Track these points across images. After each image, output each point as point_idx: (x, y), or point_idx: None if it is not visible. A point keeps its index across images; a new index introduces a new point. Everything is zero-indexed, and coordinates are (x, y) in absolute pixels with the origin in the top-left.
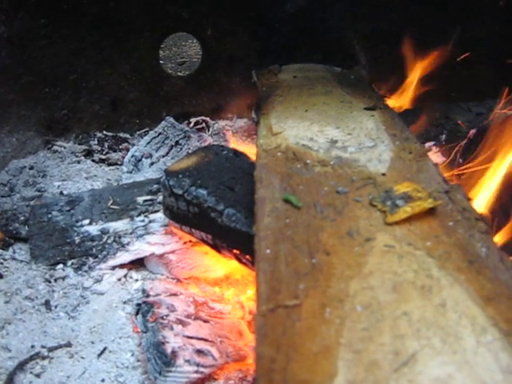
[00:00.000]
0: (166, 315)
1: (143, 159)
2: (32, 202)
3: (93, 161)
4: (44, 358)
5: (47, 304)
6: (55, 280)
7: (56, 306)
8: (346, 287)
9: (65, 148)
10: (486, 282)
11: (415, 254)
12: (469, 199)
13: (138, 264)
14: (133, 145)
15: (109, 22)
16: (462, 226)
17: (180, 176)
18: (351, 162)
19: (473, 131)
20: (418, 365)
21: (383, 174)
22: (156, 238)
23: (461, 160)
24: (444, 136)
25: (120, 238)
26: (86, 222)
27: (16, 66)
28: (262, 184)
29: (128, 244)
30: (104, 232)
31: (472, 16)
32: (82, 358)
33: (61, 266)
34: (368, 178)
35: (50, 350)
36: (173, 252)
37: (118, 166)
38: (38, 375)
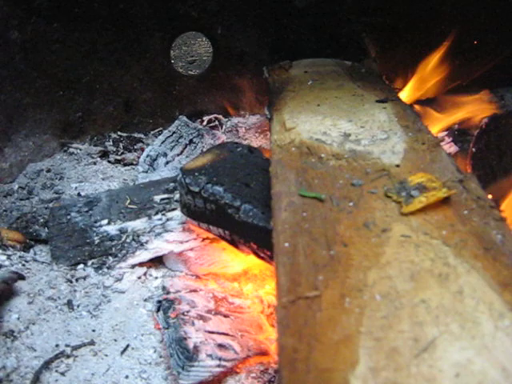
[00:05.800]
0: (187, 311)
1: (158, 158)
2: (51, 204)
3: (108, 161)
4: (68, 356)
5: (69, 304)
6: (76, 280)
7: (78, 306)
8: (364, 277)
9: (80, 150)
10: (502, 269)
11: (431, 243)
12: (483, 187)
13: (157, 262)
14: (147, 144)
15: (120, 24)
16: (477, 214)
17: (196, 174)
18: (365, 155)
19: (485, 120)
20: (437, 350)
21: (397, 166)
22: (174, 235)
23: (474, 149)
24: (457, 125)
25: (138, 236)
26: (105, 222)
27: (30, 71)
28: (277, 179)
29: (147, 242)
30: (123, 231)
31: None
32: (106, 355)
33: (81, 266)
34: (382, 170)
35: (74, 348)
36: (191, 249)
37: (133, 166)
38: (63, 373)
